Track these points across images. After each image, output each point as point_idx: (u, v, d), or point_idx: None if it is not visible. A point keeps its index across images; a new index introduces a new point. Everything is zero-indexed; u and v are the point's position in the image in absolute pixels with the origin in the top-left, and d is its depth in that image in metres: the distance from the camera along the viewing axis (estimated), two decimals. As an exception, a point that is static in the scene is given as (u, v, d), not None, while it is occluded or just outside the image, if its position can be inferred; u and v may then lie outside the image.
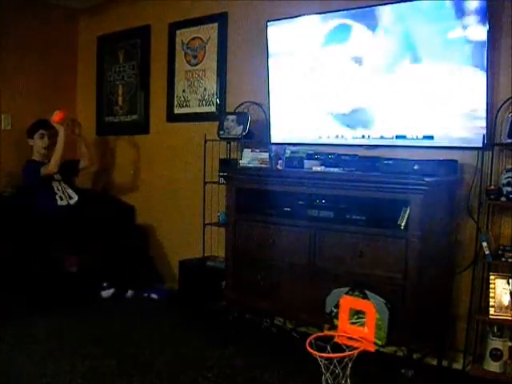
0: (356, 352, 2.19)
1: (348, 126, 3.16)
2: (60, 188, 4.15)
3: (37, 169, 4.07)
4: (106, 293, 4.01)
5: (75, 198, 4.19)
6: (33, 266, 3.77)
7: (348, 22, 3.08)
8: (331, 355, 2.20)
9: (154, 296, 4.10)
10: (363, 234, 2.65)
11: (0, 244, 3.80)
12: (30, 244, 3.82)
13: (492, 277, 2.65)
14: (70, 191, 4.21)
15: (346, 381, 2.20)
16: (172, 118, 4.27)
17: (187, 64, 4.14)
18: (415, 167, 2.62)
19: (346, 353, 2.20)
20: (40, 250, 3.81)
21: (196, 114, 4.09)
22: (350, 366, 2.18)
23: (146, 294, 4.11)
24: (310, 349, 2.20)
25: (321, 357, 2.19)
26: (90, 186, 4.83)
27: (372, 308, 2.33)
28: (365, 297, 2.44)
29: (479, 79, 2.66)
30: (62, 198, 4.11)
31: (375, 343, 2.30)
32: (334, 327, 2.45)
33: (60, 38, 4.84)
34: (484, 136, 2.67)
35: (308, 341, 2.25)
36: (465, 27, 2.68)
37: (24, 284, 3.76)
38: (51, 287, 3.77)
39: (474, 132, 2.71)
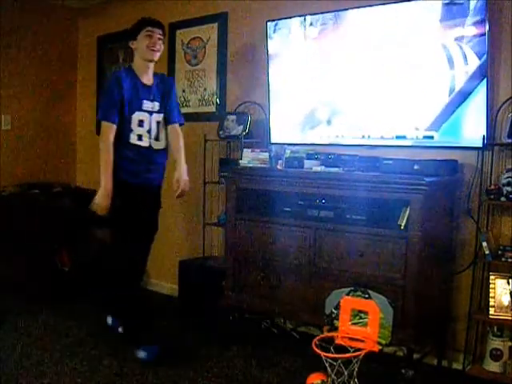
0: (363, 352, 2.18)
1: (348, 125, 3.16)
2: (148, 122, 3.00)
3: (121, 85, 2.91)
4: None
5: (163, 142, 3.09)
6: (31, 264, 3.78)
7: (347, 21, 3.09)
8: (338, 355, 2.20)
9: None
10: (363, 234, 2.65)
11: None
12: (28, 243, 3.82)
13: (492, 277, 2.66)
14: (162, 134, 3.08)
15: (354, 381, 2.20)
16: (172, 117, 4.27)
17: (187, 64, 4.14)
18: (415, 167, 2.62)
19: (353, 353, 2.20)
20: (39, 249, 3.82)
21: (196, 113, 4.08)
22: (357, 366, 2.18)
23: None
24: (316, 349, 2.20)
25: (327, 357, 2.19)
26: (90, 186, 4.82)
27: (375, 307, 2.32)
28: (367, 297, 2.43)
29: (479, 79, 2.66)
30: (140, 137, 2.97)
31: (379, 343, 2.29)
32: (334, 329, 2.45)
33: (60, 38, 4.84)
34: (484, 136, 2.67)
35: (314, 342, 2.25)
36: (464, 27, 2.68)
37: (23, 283, 3.77)
38: (51, 286, 3.79)
39: (474, 132, 2.72)
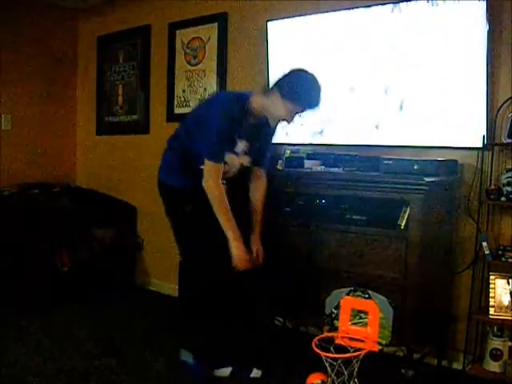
0: (363, 352, 2.18)
1: (348, 125, 3.16)
2: (232, 165, 2.57)
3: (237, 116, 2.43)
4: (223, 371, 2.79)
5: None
6: (31, 264, 3.77)
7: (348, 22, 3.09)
8: (338, 355, 2.20)
9: None
10: (363, 234, 2.65)
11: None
12: (28, 243, 3.82)
13: (492, 277, 2.65)
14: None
15: (353, 381, 2.20)
16: (172, 117, 4.26)
17: (187, 64, 4.14)
18: (415, 167, 2.62)
19: (353, 353, 2.20)
20: (39, 249, 3.81)
21: (196, 114, 4.08)
22: (357, 366, 2.18)
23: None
24: (316, 349, 2.20)
25: (327, 357, 2.18)
26: (91, 187, 4.83)
27: (375, 307, 2.32)
28: (367, 297, 2.43)
29: (479, 79, 2.66)
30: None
31: (379, 343, 2.29)
32: (333, 329, 2.45)
33: (60, 38, 4.84)
34: (484, 136, 2.67)
35: (314, 342, 2.25)
36: (465, 27, 2.68)
37: (23, 283, 3.76)
38: (50, 286, 3.78)
39: (474, 132, 2.71)
